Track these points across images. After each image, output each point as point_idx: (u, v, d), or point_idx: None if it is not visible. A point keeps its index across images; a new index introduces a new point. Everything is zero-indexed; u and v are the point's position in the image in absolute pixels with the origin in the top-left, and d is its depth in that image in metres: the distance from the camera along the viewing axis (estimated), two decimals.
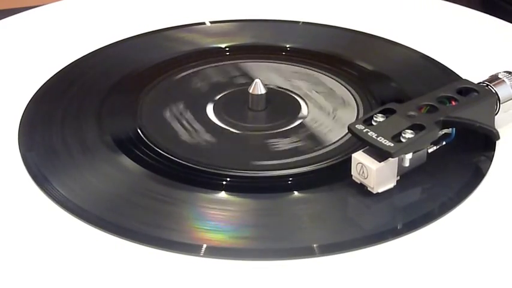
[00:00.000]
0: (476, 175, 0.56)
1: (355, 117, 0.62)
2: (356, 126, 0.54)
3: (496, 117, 0.59)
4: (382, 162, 0.52)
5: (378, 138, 0.52)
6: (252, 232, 0.52)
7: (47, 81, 0.68)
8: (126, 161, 0.58)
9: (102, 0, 0.83)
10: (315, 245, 0.50)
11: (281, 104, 0.65)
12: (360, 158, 0.53)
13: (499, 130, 0.59)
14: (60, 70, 0.69)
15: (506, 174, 0.57)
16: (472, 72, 0.65)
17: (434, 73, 0.70)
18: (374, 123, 0.54)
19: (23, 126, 0.61)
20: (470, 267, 0.49)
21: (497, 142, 0.59)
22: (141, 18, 0.79)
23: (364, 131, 0.53)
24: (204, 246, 0.50)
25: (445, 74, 0.69)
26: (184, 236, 0.51)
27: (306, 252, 0.50)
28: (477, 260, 0.49)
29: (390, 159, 0.52)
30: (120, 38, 0.75)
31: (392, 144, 0.52)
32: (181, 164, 0.57)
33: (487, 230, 0.52)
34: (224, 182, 0.56)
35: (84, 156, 0.58)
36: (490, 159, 0.58)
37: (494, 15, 0.79)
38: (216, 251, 0.50)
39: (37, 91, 0.66)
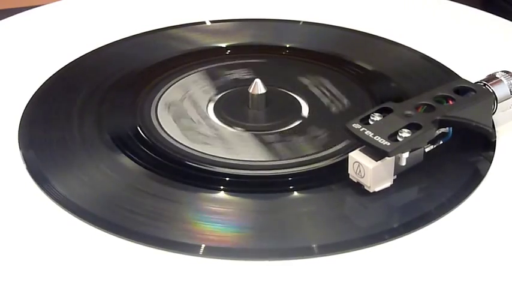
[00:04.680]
0: (476, 175, 0.56)
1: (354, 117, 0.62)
2: (353, 125, 0.54)
3: (495, 116, 0.59)
4: (379, 161, 0.52)
5: (375, 137, 0.52)
6: (250, 232, 0.52)
7: (47, 80, 0.68)
8: (126, 160, 0.58)
9: (102, 0, 0.83)
10: (313, 245, 0.50)
11: (281, 103, 0.65)
12: (356, 157, 0.53)
13: (498, 129, 0.60)
14: (60, 70, 0.70)
15: (506, 174, 0.56)
16: (472, 71, 0.64)
17: (434, 73, 0.70)
18: (371, 122, 0.54)
19: (23, 126, 0.62)
20: (469, 269, 0.48)
21: (497, 142, 0.59)
22: (141, 18, 0.79)
23: (361, 130, 0.53)
24: (203, 246, 0.50)
25: (444, 74, 0.69)
26: (183, 236, 0.51)
27: (305, 252, 0.50)
28: (476, 262, 0.49)
29: (387, 158, 0.52)
30: (120, 37, 0.75)
31: (388, 143, 0.52)
32: (181, 163, 0.58)
33: (486, 231, 0.51)
34: (223, 182, 0.56)
35: (84, 155, 0.58)
36: (490, 159, 0.58)
37: (494, 14, 0.79)
38: (215, 251, 0.50)
39: (37, 91, 0.66)
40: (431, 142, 0.55)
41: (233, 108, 0.64)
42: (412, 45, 0.74)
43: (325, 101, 0.65)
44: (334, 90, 0.67)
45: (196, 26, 0.78)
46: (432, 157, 0.56)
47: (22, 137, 0.60)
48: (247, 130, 0.62)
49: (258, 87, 0.64)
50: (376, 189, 0.53)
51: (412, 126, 0.53)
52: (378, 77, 0.69)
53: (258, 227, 0.52)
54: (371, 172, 0.52)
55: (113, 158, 0.58)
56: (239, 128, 0.62)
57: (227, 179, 0.56)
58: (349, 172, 0.54)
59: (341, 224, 0.52)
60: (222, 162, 0.58)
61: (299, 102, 0.65)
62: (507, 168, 0.57)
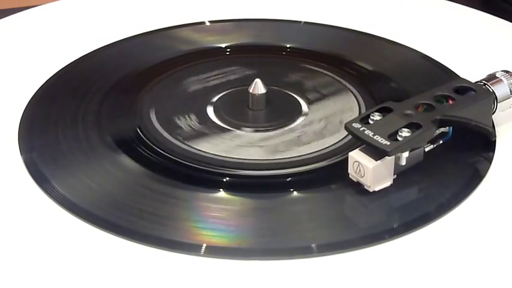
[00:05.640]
0: (475, 175, 0.56)
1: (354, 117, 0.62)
2: (353, 124, 0.54)
3: (495, 116, 0.59)
4: (379, 161, 0.52)
5: (375, 137, 0.52)
6: (251, 231, 0.52)
7: (47, 81, 0.68)
8: (126, 160, 0.58)
9: (102, 0, 0.83)
10: (313, 245, 0.50)
11: (281, 103, 0.65)
12: (356, 156, 0.53)
13: (498, 129, 0.60)
14: (60, 70, 0.69)
15: (506, 174, 0.56)
16: (472, 71, 0.64)
17: (434, 73, 0.70)
18: (371, 121, 0.54)
19: (23, 126, 0.62)
20: (468, 269, 0.48)
21: (496, 141, 0.59)
22: (140, 18, 0.79)
23: (361, 129, 0.53)
24: (204, 245, 0.50)
25: (445, 74, 0.69)
26: (184, 236, 0.51)
27: (305, 251, 0.50)
28: (476, 261, 0.49)
29: (387, 157, 0.52)
30: (120, 38, 0.75)
31: (388, 143, 0.52)
32: (181, 163, 0.58)
33: (486, 231, 0.51)
34: (224, 182, 0.56)
35: (84, 155, 0.58)
36: (490, 159, 0.58)
37: (494, 15, 0.79)
38: (216, 251, 0.50)
39: (37, 91, 0.66)
40: (431, 142, 0.55)
41: (233, 108, 0.64)
42: (412, 45, 0.74)
43: (325, 100, 0.65)
44: (334, 90, 0.67)
45: (196, 26, 0.78)
46: (432, 157, 0.56)
47: (22, 137, 0.60)
48: (247, 130, 0.62)
49: (258, 87, 0.64)
50: (376, 189, 0.53)
51: (412, 126, 0.53)
52: (378, 77, 0.69)
53: (258, 226, 0.52)
54: (371, 171, 0.52)
55: (113, 158, 0.58)
56: (239, 128, 0.62)
57: (227, 178, 0.56)
58: (349, 171, 0.54)
59: (341, 223, 0.52)
60: (222, 162, 0.58)
61: (299, 102, 0.65)
62: (507, 168, 0.57)
